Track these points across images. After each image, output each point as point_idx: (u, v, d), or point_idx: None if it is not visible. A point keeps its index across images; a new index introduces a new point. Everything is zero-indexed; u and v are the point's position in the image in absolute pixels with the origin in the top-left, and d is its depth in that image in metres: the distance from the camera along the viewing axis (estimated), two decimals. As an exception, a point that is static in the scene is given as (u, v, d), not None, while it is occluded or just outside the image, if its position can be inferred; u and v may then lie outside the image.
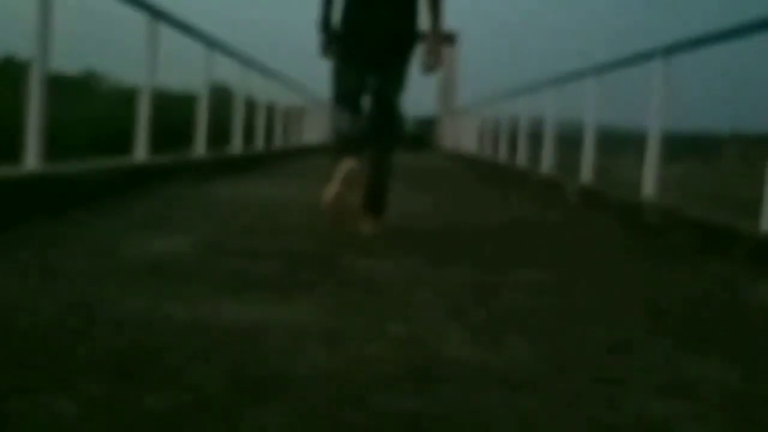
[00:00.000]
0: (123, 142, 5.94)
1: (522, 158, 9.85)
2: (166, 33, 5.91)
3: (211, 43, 7.34)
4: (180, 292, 2.22)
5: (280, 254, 2.98)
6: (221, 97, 8.98)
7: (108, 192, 4.51)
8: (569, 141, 7.97)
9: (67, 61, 6.03)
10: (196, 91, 7.54)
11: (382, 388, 1.50)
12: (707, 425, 1.43)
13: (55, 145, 4.27)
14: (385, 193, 3.79)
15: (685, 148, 9.67)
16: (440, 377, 1.60)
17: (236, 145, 8.90)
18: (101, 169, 4.67)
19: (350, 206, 3.58)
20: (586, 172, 6.74)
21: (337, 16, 3.71)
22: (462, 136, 18.23)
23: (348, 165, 3.50)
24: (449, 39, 24.71)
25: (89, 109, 7.04)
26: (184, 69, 7.73)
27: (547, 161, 8.37)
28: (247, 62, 9.12)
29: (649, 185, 5.23)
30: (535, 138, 9.23)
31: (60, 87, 5.41)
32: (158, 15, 5.63)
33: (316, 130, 17.02)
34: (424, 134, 26.42)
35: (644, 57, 5.50)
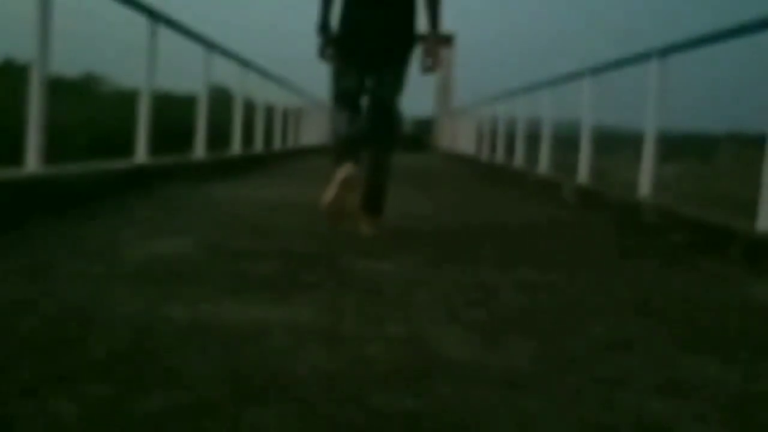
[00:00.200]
0: (123, 144, 5.96)
1: (519, 159, 9.87)
2: (166, 35, 5.92)
3: (210, 45, 7.35)
4: (180, 292, 2.23)
5: (279, 255, 2.99)
6: (220, 99, 8.99)
7: (108, 193, 4.53)
8: (566, 141, 8.00)
9: (67, 63, 6.05)
10: (196, 92, 7.56)
11: (382, 388, 1.51)
12: (707, 425, 1.44)
13: (55, 147, 4.28)
14: (383, 193, 3.80)
15: (681, 148, 9.70)
16: (440, 377, 1.61)
17: (236, 146, 8.91)
18: (101, 170, 4.69)
19: (349, 207, 3.61)
20: (584, 173, 6.75)
21: (335, 19, 3.73)
22: (459, 137, 18.23)
23: (347, 170, 3.53)
24: (447, 40, 24.72)
25: (89, 112, 7.06)
26: (184, 71, 7.75)
27: (545, 162, 8.39)
28: (246, 64, 9.13)
29: (645, 185, 5.25)
30: (533, 139, 9.25)
31: (60, 89, 5.42)
32: (158, 17, 5.65)
33: (314, 132, 17.03)
34: (421, 135, 26.40)
35: (641, 58, 5.52)
